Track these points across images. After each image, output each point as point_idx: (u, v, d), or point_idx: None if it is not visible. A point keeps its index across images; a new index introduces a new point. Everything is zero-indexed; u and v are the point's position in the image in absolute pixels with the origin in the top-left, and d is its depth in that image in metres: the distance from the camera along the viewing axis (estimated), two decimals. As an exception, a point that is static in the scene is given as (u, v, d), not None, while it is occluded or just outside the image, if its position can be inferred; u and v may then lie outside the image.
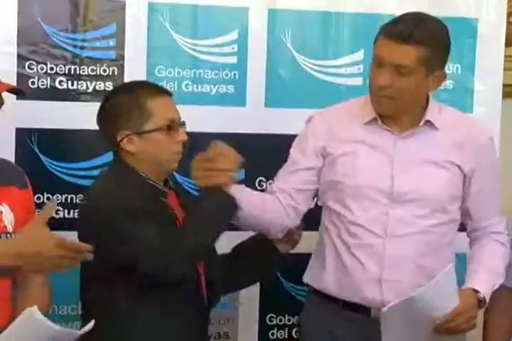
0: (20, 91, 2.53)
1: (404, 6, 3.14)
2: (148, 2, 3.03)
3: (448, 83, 3.24)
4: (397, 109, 2.62)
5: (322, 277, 2.77)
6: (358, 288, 2.66)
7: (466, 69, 3.30)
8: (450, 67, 3.22)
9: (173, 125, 2.43)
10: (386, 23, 2.62)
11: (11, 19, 2.92)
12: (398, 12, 3.00)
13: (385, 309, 2.55)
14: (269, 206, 2.62)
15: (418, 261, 2.65)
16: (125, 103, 2.51)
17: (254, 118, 3.15)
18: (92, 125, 2.58)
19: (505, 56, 3.35)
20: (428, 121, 2.64)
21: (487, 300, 2.66)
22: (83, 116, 2.81)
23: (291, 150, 2.67)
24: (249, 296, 3.27)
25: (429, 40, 2.53)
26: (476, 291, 2.61)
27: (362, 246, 2.66)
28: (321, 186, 2.75)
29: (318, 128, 2.69)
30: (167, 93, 2.53)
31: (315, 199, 2.84)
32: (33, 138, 2.87)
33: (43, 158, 2.88)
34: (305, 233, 2.88)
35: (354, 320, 2.67)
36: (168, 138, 2.50)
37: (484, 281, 2.66)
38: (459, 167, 2.64)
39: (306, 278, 2.84)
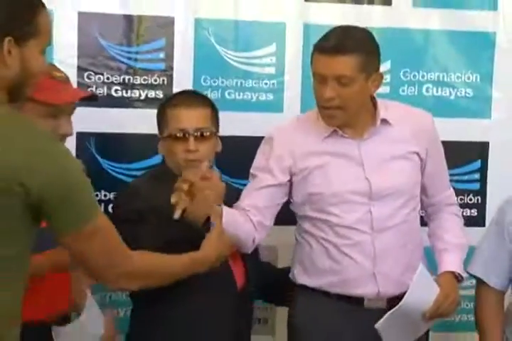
0: (94, 97, 2.63)
1: (429, 21, 3.28)
2: (194, 18, 3.11)
3: (468, 91, 3.31)
4: (347, 117, 2.64)
5: (314, 274, 2.81)
6: (354, 283, 2.71)
7: (484, 79, 3.33)
8: (470, 77, 3.31)
9: (183, 134, 2.53)
10: (317, 41, 2.66)
11: (72, 35, 3.02)
12: (423, 26, 3.29)
13: (378, 324, 2.60)
14: (241, 224, 2.65)
15: (404, 249, 2.70)
16: (159, 111, 2.68)
17: (290, 123, 3.24)
18: (144, 129, 2.74)
19: None
20: (383, 120, 2.68)
21: (463, 275, 2.72)
22: (136, 121, 2.91)
23: (253, 170, 2.68)
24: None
25: (360, 47, 2.57)
26: (452, 272, 2.68)
27: (352, 245, 2.70)
28: (297, 199, 2.77)
29: (278, 151, 2.71)
30: (186, 105, 2.61)
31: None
32: (91, 141, 2.94)
33: (100, 159, 2.95)
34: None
35: (347, 310, 2.72)
36: (177, 146, 2.58)
37: (455, 260, 2.72)
38: (417, 154, 2.69)
39: (296, 277, 2.87)
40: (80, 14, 3.04)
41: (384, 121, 2.68)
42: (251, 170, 2.65)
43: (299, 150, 2.68)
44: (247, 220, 2.63)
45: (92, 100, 2.58)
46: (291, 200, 2.81)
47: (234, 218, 2.60)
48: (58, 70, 2.55)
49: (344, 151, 2.67)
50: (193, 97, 2.68)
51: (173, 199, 2.42)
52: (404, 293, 2.64)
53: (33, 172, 1.95)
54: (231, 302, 2.68)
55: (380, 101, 2.73)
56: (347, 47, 2.56)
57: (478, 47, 3.33)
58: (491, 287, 2.76)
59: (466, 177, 3.27)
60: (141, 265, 2.18)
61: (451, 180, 3.02)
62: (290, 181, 2.72)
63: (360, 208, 2.67)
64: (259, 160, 2.65)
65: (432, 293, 2.75)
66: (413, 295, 2.68)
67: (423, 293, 2.73)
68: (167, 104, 2.66)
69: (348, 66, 2.56)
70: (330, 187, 2.67)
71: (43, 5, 2.06)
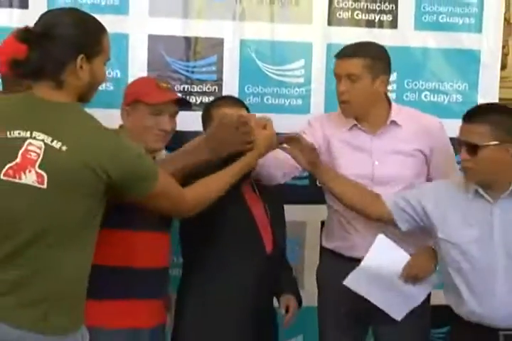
0: (188, 103, 2.83)
1: (427, 41, 3.51)
2: (240, 39, 3.34)
3: (458, 97, 3.55)
4: (356, 110, 2.86)
5: (331, 239, 3.01)
6: (360, 248, 2.87)
7: (471, 87, 3.56)
8: (460, 86, 3.55)
9: None
10: (337, 53, 2.87)
11: (143, 53, 3.26)
12: (422, 45, 3.52)
13: (345, 281, 2.78)
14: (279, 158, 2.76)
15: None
16: (204, 111, 2.87)
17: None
18: (199, 127, 2.88)
19: (501, 77, 3.63)
20: (393, 121, 2.87)
21: None
22: (193, 121, 2.98)
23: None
24: (313, 244, 3.38)
25: (368, 53, 2.81)
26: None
27: (357, 217, 2.89)
28: None
29: (314, 128, 2.90)
30: (227, 105, 2.79)
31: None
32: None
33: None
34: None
35: (353, 268, 2.83)
36: None
37: None
38: (420, 151, 2.90)
39: (323, 241, 3.08)
40: (150, 36, 3.27)
41: (393, 122, 2.88)
42: None
43: (328, 132, 2.87)
44: (283, 160, 2.77)
45: (185, 105, 2.79)
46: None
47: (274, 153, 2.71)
48: (164, 81, 2.80)
49: (359, 143, 2.86)
50: (232, 100, 2.88)
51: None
52: None
53: (112, 161, 2.15)
54: (261, 266, 2.81)
55: (396, 106, 2.93)
56: (356, 52, 2.81)
57: (466, 62, 3.56)
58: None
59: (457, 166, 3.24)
60: (194, 197, 2.41)
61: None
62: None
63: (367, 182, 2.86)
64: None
65: (398, 257, 2.88)
66: (371, 259, 2.85)
67: (385, 257, 2.89)
68: (212, 106, 2.87)
69: (356, 66, 2.78)
70: (339, 170, 2.86)
71: (105, 29, 2.26)
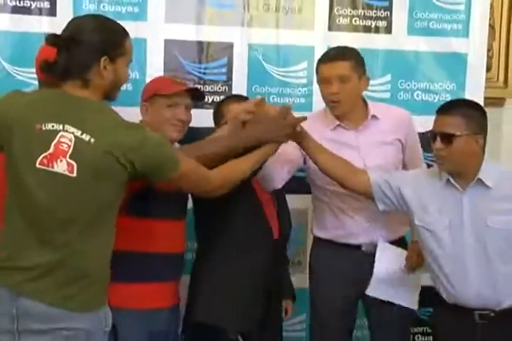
0: (201, 95, 2.86)
1: (419, 45, 3.57)
2: (248, 43, 3.42)
3: (447, 96, 3.58)
4: (347, 108, 2.89)
5: (325, 229, 3.02)
6: (355, 235, 2.95)
7: (459, 87, 3.63)
8: (449, 86, 3.62)
9: None
10: (320, 58, 2.91)
11: (159, 56, 3.33)
12: (415, 49, 3.56)
13: (368, 292, 2.88)
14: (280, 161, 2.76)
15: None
16: (216, 108, 2.94)
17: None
18: (210, 124, 2.93)
19: (486, 78, 3.68)
20: (373, 116, 2.94)
21: None
22: (205, 118, 3.02)
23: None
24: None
25: (352, 56, 2.88)
26: None
27: (351, 207, 2.94)
28: (310, 169, 2.96)
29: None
30: (234, 102, 2.83)
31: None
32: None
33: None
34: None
35: (349, 254, 2.96)
36: None
37: None
38: (399, 140, 2.98)
39: (315, 232, 3.07)
40: (166, 41, 3.34)
41: (373, 117, 2.95)
42: None
43: (315, 134, 2.81)
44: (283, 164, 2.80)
45: (199, 97, 2.83)
46: (306, 174, 3.03)
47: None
48: (177, 78, 2.89)
49: (345, 140, 2.91)
50: (238, 97, 2.96)
51: None
52: (391, 242, 2.95)
53: (136, 151, 2.19)
54: (269, 249, 2.85)
55: (370, 102, 3.00)
56: (343, 56, 2.86)
57: (455, 64, 3.62)
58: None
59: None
60: (219, 179, 2.45)
61: (432, 161, 3.11)
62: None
63: None
64: None
65: (399, 255, 2.97)
66: (380, 266, 2.94)
67: (390, 260, 2.97)
68: (221, 104, 2.94)
69: (346, 68, 2.84)
70: None
71: (127, 33, 2.31)
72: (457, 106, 2.66)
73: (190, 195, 2.80)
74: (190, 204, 2.82)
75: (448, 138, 2.58)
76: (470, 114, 2.63)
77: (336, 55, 2.88)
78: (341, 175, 2.81)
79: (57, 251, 2.22)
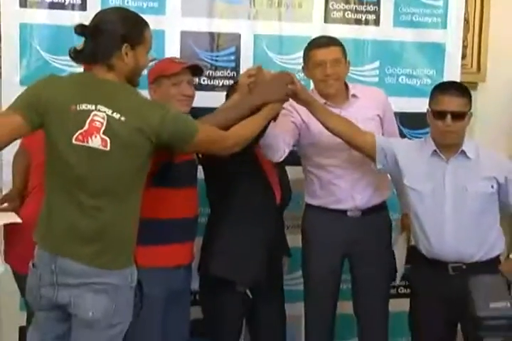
0: (200, 69, 2.88)
1: (404, 35, 3.63)
2: (254, 34, 3.51)
3: (428, 81, 3.66)
4: (339, 86, 2.98)
5: (316, 197, 3.09)
6: (341, 201, 3.03)
7: (438, 73, 3.71)
8: (429, 71, 3.70)
9: None
10: (309, 44, 2.98)
11: (176, 46, 3.43)
12: (400, 39, 3.63)
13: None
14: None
15: (372, 178, 3.04)
16: (228, 89, 3.02)
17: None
18: (220, 104, 2.92)
19: (461, 65, 3.77)
20: (353, 95, 3.03)
21: None
22: (216, 99, 3.10)
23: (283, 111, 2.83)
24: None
25: (340, 43, 2.98)
26: None
27: (337, 177, 3.03)
28: (302, 144, 3.03)
29: (295, 115, 2.97)
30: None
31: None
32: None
33: None
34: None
35: (337, 218, 3.04)
36: None
37: None
38: (378, 115, 3.07)
39: (306, 199, 3.15)
40: (182, 32, 3.44)
41: (354, 96, 3.04)
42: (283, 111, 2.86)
43: (302, 111, 2.91)
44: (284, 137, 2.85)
45: (198, 71, 2.87)
46: (298, 146, 3.06)
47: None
48: (177, 58, 2.97)
49: None
50: None
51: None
52: (373, 206, 3.04)
53: (161, 125, 2.25)
54: (273, 213, 2.92)
55: (349, 84, 3.08)
56: (335, 42, 2.97)
57: (434, 52, 3.71)
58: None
59: (420, 136, 3.42)
60: (235, 136, 2.49)
61: (413, 137, 3.45)
62: (300, 129, 2.99)
63: (342, 153, 2.99)
64: (284, 113, 2.88)
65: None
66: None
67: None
68: (234, 84, 2.97)
69: (338, 52, 2.95)
70: (321, 138, 2.96)
71: (147, 23, 2.35)
72: (462, 88, 2.77)
73: (201, 166, 2.87)
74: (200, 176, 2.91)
75: (458, 116, 2.71)
76: (469, 94, 2.79)
77: (328, 41, 2.97)
78: (350, 134, 2.87)
79: (91, 216, 2.28)
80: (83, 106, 2.26)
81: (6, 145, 2.34)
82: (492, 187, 2.80)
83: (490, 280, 2.28)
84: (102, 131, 2.24)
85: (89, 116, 2.25)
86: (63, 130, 2.27)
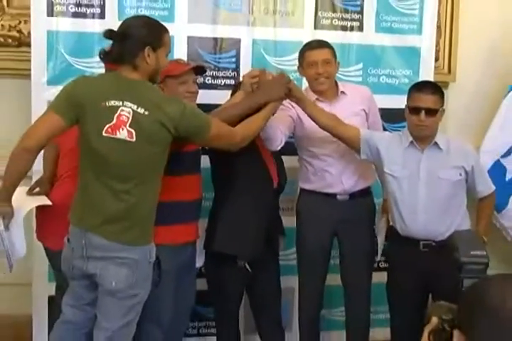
0: (203, 69, 2.95)
1: (384, 40, 3.72)
2: (252, 39, 3.59)
3: (405, 80, 3.74)
4: (330, 84, 3.07)
5: (309, 182, 3.19)
6: (331, 186, 3.14)
7: (414, 73, 3.80)
8: (407, 72, 3.78)
9: None
10: (304, 46, 3.06)
11: (183, 49, 3.48)
12: (380, 43, 3.70)
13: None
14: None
15: (356, 165, 3.13)
16: (233, 90, 3.06)
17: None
18: (223, 101, 2.99)
19: (434, 67, 3.85)
20: (342, 92, 3.13)
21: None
22: (220, 97, 3.16)
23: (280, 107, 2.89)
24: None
25: (330, 46, 3.06)
26: None
27: (328, 165, 3.13)
28: (297, 136, 3.13)
29: (291, 110, 3.05)
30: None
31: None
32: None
33: None
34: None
35: (327, 201, 3.15)
36: None
37: None
38: (364, 110, 3.18)
39: (300, 184, 3.26)
40: (189, 37, 3.53)
41: (342, 93, 3.15)
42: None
43: (299, 110, 2.99)
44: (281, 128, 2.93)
45: (202, 71, 2.94)
46: (294, 138, 3.16)
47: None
48: (183, 60, 3.01)
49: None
50: None
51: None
52: (360, 190, 3.14)
53: (180, 119, 2.35)
54: (270, 196, 3.00)
55: (339, 82, 3.18)
56: (326, 44, 3.07)
57: (411, 55, 3.79)
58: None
59: (398, 129, 3.40)
60: (242, 132, 2.56)
61: (392, 130, 3.51)
62: (295, 123, 3.08)
63: (332, 144, 3.10)
64: (281, 108, 2.93)
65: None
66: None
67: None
68: (238, 85, 3.03)
69: (329, 53, 3.05)
70: (313, 132, 3.04)
71: (166, 29, 2.46)
72: (435, 87, 2.86)
73: (208, 155, 2.96)
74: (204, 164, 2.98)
75: (431, 112, 2.81)
76: (442, 92, 2.90)
77: (320, 44, 3.08)
78: (335, 128, 2.95)
79: (120, 199, 2.38)
80: (112, 103, 2.36)
81: (48, 142, 2.46)
82: (460, 175, 2.92)
83: (470, 234, 2.49)
84: (128, 124, 2.33)
85: (117, 111, 2.34)
86: (95, 124, 2.38)
